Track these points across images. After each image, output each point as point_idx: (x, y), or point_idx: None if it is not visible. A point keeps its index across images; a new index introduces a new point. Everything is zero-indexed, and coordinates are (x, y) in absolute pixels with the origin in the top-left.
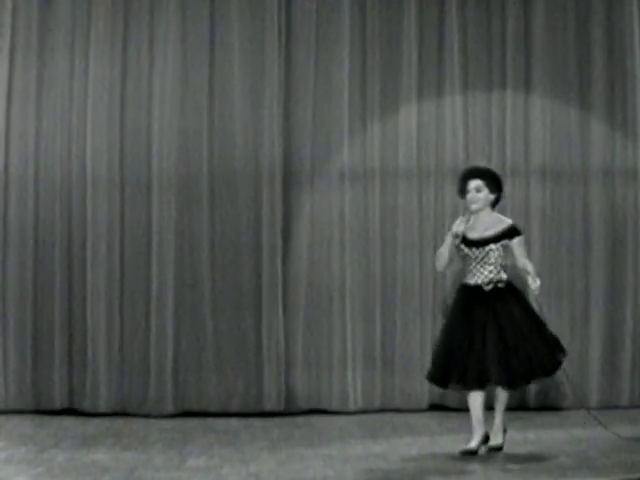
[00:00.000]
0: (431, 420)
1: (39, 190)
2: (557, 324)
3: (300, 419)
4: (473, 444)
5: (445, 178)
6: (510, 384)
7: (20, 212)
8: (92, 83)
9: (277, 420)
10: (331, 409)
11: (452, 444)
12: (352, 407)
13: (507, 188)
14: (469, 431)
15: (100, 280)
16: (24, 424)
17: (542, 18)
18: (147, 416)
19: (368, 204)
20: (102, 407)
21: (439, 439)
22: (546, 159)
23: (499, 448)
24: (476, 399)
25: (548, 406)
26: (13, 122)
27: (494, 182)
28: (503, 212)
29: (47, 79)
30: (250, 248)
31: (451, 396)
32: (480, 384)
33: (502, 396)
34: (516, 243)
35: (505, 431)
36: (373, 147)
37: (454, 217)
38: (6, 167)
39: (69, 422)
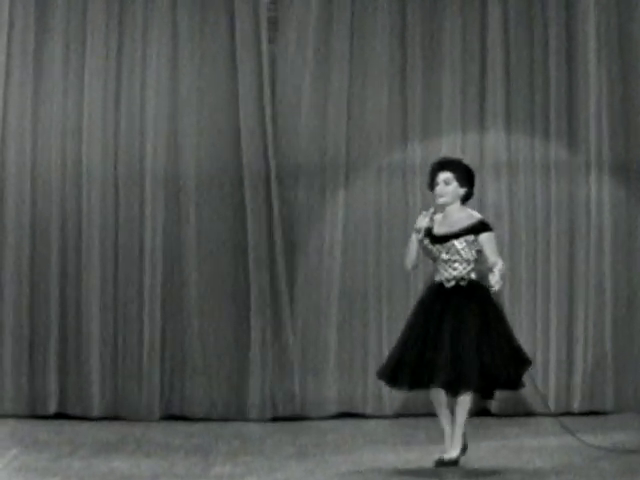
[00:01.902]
0: (472, 426)
1: (36, 192)
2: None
3: (329, 424)
4: (453, 454)
5: (487, 175)
6: (455, 389)
7: (17, 213)
8: (87, 84)
9: (305, 425)
10: (365, 413)
11: (487, 451)
12: (387, 411)
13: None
14: (506, 438)
15: (94, 283)
16: (38, 430)
17: (586, 44)
18: (144, 421)
19: (385, 206)
20: (96, 411)
21: (472, 446)
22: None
23: (453, 462)
24: (440, 408)
25: (513, 413)
26: (9, 124)
27: (465, 175)
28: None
29: (43, 80)
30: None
31: (498, 402)
32: (425, 385)
33: (460, 403)
34: (485, 239)
35: (465, 446)
36: (415, 153)
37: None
38: (2, 168)
39: (85, 427)
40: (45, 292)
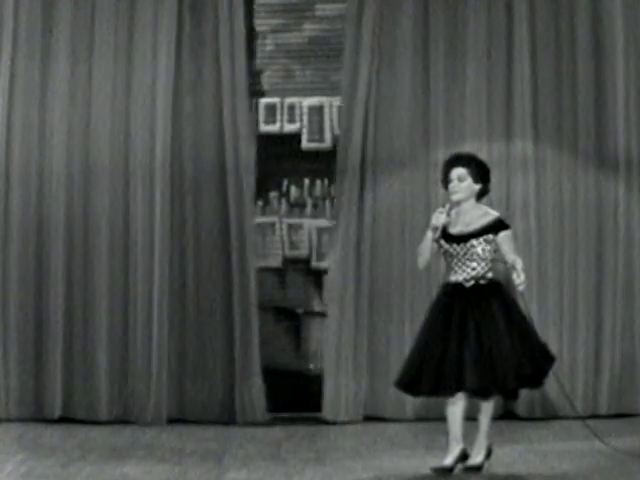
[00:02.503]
0: (498, 429)
1: (42, 189)
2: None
3: (348, 428)
4: (447, 461)
5: (515, 168)
6: (485, 392)
7: (22, 213)
8: (96, 77)
9: (322, 429)
10: (387, 416)
11: (512, 455)
12: (410, 415)
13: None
14: (535, 441)
15: (101, 283)
16: (45, 434)
17: (614, 43)
18: (152, 425)
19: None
20: (103, 415)
21: (497, 450)
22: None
23: (478, 468)
24: (454, 411)
25: (539, 416)
26: (15, 115)
27: (479, 171)
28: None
29: (51, 72)
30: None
31: (524, 405)
32: (453, 390)
33: (486, 407)
34: (503, 238)
35: (490, 451)
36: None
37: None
38: (8, 165)
39: (93, 432)
40: (51, 292)
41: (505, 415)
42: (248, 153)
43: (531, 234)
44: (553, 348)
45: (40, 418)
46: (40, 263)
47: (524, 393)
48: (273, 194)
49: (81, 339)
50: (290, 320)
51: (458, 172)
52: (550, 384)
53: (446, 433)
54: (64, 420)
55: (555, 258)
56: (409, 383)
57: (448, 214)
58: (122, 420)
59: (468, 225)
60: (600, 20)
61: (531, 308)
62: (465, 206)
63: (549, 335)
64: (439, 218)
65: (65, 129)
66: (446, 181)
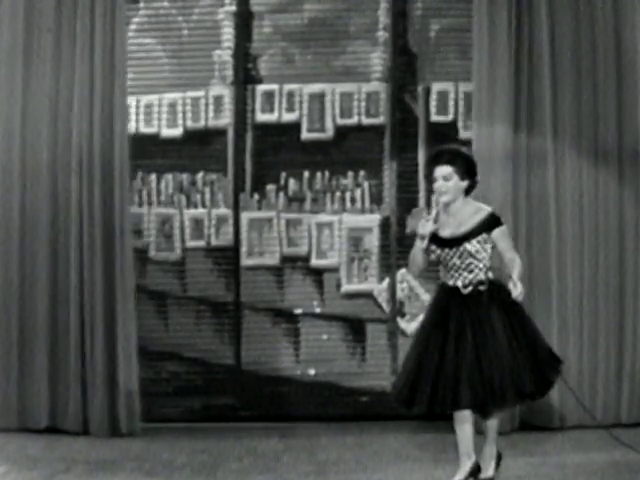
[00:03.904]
0: (511, 440)
1: (25, 194)
2: None
3: (350, 439)
4: (458, 477)
5: (534, 163)
6: (483, 409)
7: (5, 213)
8: (79, 69)
9: (324, 441)
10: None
11: (526, 468)
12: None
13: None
14: (551, 453)
15: (88, 287)
16: (29, 445)
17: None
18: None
19: None
20: (91, 426)
21: (510, 463)
22: None
23: None
24: (463, 427)
25: (557, 426)
26: None
27: (465, 167)
28: None
29: (34, 65)
30: None
31: (541, 414)
32: (448, 408)
33: (490, 423)
34: (497, 235)
35: (499, 459)
36: None
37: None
38: None
39: (82, 443)
40: (35, 294)
41: (520, 425)
42: (122, 150)
43: (550, 232)
44: (573, 355)
45: (25, 428)
46: (24, 269)
47: (540, 402)
48: (270, 187)
49: (67, 346)
50: (288, 322)
51: (443, 171)
52: (569, 392)
53: (454, 446)
54: (50, 430)
55: (575, 257)
56: (406, 397)
57: (435, 220)
58: (112, 431)
59: (459, 226)
60: (620, 13)
61: (550, 311)
62: (455, 205)
63: (569, 340)
64: (426, 226)
65: (51, 120)
66: (431, 178)
